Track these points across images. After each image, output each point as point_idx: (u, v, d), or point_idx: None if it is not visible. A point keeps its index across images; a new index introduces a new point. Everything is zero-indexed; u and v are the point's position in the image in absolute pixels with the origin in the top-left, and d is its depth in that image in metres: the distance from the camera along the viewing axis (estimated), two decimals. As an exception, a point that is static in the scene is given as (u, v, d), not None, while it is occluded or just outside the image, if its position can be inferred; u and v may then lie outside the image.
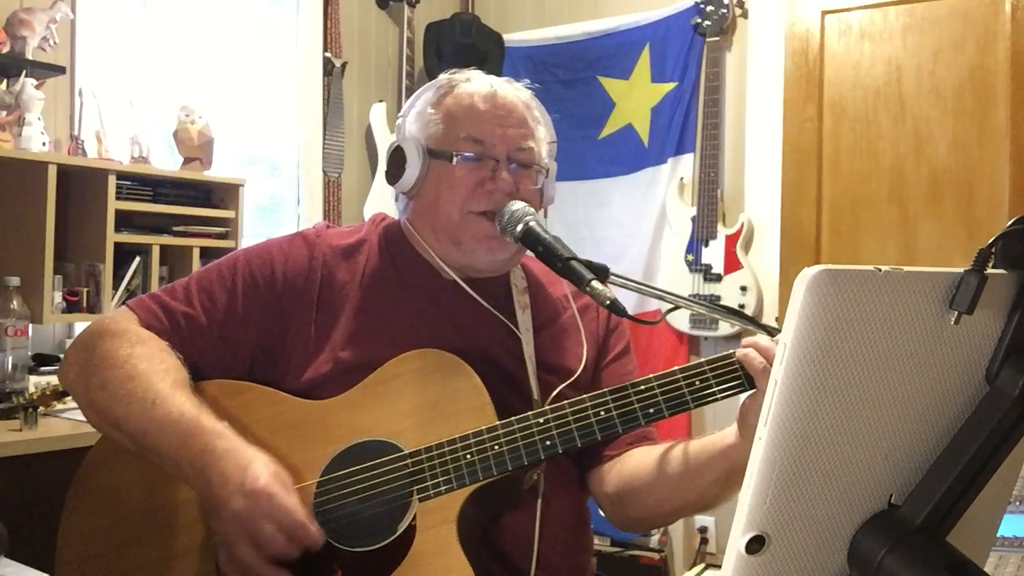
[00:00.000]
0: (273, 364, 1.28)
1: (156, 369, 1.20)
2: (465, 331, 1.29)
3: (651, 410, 1.13)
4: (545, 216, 1.37)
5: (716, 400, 1.13)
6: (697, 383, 1.13)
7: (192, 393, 1.21)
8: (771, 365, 1.00)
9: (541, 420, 1.15)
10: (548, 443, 1.14)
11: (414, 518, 1.14)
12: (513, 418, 1.16)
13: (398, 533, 1.14)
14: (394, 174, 1.32)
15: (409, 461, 1.16)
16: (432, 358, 1.21)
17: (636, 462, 1.27)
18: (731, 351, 1.13)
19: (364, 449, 1.18)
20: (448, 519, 1.13)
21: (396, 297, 1.31)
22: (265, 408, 1.24)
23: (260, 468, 1.11)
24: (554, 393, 1.24)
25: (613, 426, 1.14)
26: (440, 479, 1.14)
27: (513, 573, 1.21)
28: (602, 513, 1.34)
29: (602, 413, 1.14)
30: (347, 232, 1.38)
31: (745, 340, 1.12)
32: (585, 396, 1.16)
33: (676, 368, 1.15)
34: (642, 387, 1.15)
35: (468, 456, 1.14)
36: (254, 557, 1.09)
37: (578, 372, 1.29)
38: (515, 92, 1.34)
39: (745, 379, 1.11)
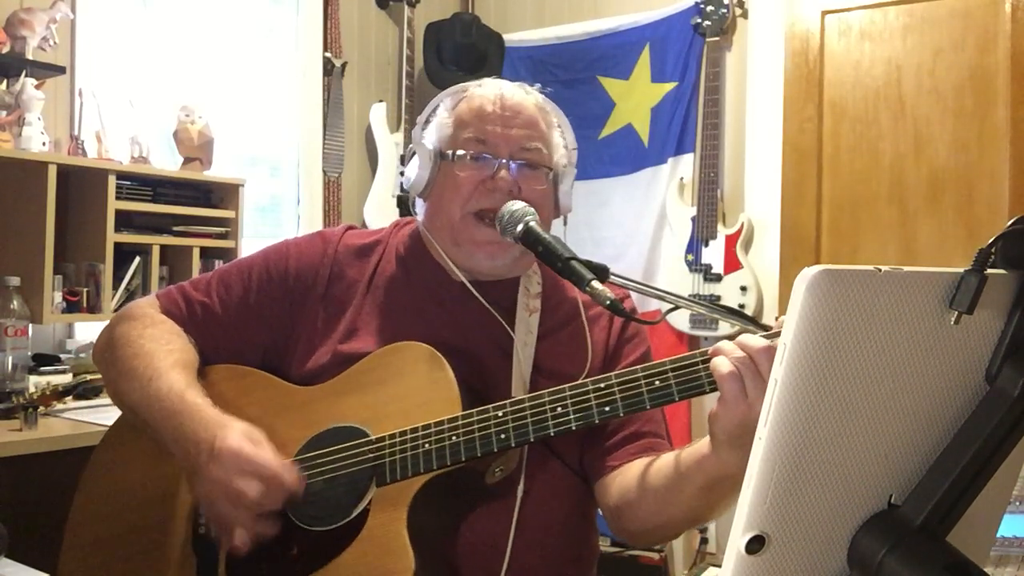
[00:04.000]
0: (282, 354, 1.34)
1: (161, 349, 1.28)
2: (462, 331, 1.30)
3: (607, 408, 1.11)
4: (565, 223, 1.38)
5: (674, 401, 1.09)
6: (657, 383, 1.10)
7: (189, 372, 1.27)
8: (737, 368, 0.97)
9: (500, 413, 1.15)
10: (502, 436, 1.14)
11: (369, 502, 1.17)
12: (474, 410, 1.17)
13: (352, 516, 1.17)
14: (409, 177, 1.37)
15: (373, 447, 1.19)
16: (411, 351, 1.24)
17: (631, 474, 1.25)
18: (695, 351, 1.09)
19: (336, 434, 1.22)
20: (400, 504, 1.15)
21: (401, 297, 1.34)
22: (259, 391, 1.30)
23: (229, 430, 1.16)
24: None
25: (567, 422, 1.13)
26: (397, 466, 1.17)
27: (481, 570, 1.20)
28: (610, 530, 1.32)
29: (559, 409, 1.13)
30: (367, 234, 1.43)
31: (712, 348, 1.03)
32: (544, 392, 1.16)
33: (638, 367, 1.13)
34: (602, 384, 1.13)
35: (426, 445, 1.16)
36: (233, 512, 1.13)
37: (583, 378, 1.26)
38: (524, 95, 1.35)
39: (706, 381, 1.07)
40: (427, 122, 1.38)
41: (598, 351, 1.35)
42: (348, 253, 1.38)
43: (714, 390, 1.03)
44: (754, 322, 1.21)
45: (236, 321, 1.35)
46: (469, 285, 1.30)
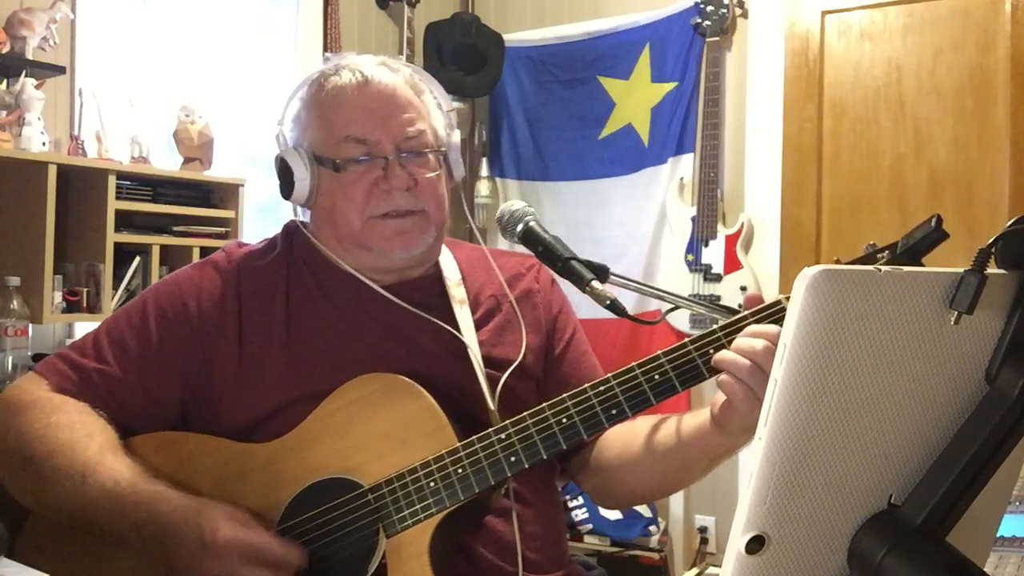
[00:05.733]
0: (204, 406, 1.21)
1: (78, 437, 1.13)
2: (407, 342, 1.22)
3: (614, 411, 1.08)
4: (462, 190, 1.29)
5: (677, 392, 1.08)
6: (656, 377, 1.07)
7: (124, 455, 1.13)
8: (746, 383, 0.97)
9: (503, 436, 1.09)
10: (513, 459, 1.08)
11: (383, 556, 1.09)
12: (473, 437, 1.10)
13: (369, 574, 1.08)
14: (286, 187, 1.24)
15: (371, 497, 1.10)
16: (379, 383, 1.14)
17: (615, 446, 1.25)
18: (684, 340, 1.09)
19: (321, 489, 1.11)
20: (419, 552, 1.07)
21: (327, 317, 1.23)
22: (206, 458, 1.16)
23: (214, 518, 1.05)
24: (500, 384, 1.19)
25: (577, 433, 1.08)
26: (406, 512, 1.08)
27: None
28: (587, 494, 1.32)
29: (564, 420, 1.08)
30: (261, 250, 1.29)
31: (715, 360, 1.02)
32: (544, 404, 1.10)
33: (633, 364, 1.09)
34: (601, 387, 1.09)
35: (432, 484, 1.08)
36: None
37: (518, 360, 1.23)
38: (389, 75, 1.24)
39: (703, 368, 1.06)
40: (289, 120, 1.27)
41: (539, 329, 1.31)
42: (250, 278, 1.24)
43: (713, 374, 1.04)
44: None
45: (143, 381, 1.19)
46: (387, 294, 1.23)
